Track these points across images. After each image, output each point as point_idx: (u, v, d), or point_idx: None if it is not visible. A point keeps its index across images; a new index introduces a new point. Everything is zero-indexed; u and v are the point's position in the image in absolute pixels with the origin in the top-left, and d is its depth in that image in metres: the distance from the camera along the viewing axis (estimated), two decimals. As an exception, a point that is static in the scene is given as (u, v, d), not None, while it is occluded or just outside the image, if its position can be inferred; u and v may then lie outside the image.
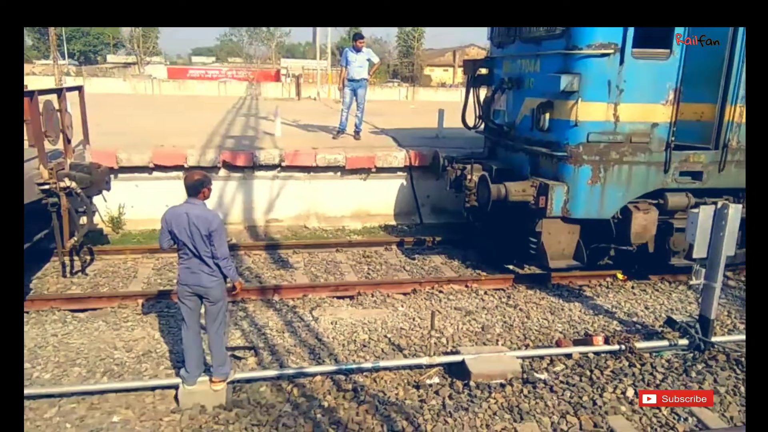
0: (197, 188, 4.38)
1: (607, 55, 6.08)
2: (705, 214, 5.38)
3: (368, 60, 10.80)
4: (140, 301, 6.49)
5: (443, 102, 22.32)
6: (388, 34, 58.25)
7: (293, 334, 5.91)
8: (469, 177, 7.30)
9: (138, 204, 9.25)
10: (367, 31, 57.57)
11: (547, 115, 6.68)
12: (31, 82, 18.11)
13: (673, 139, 6.41)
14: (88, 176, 6.80)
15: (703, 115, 6.78)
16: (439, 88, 40.79)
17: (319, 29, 30.68)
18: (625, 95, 6.21)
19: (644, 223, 6.58)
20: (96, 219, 8.38)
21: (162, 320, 6.10)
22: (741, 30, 6.30)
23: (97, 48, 66.81)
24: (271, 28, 51.97)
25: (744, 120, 6.57)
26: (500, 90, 7.90)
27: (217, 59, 63.34)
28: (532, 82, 7.07)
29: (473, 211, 7.69)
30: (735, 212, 5.33)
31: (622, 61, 6.08)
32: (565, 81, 6.16)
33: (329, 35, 30.65)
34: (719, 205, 5.38)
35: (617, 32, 6.04)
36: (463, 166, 7.77)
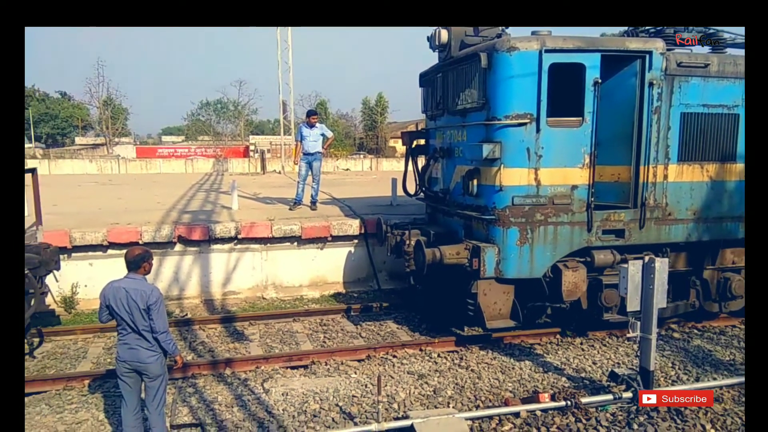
0: (138, 263, 4.47)
1: (524, 124, 6.48)
2: (634, 268, 5.66)
3: (322, 135, 11.26)
4: (87, 381, 6.37)
5: (405, 171, 22.92)
6: (354, 110, 59.97)
7: (243, 408, 5.83)
8: (407, 242, 7.50)
9: (92, 282, 9.16)
10: (333, 107, 59.49)
11: (475, 181, 6.99)
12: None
13: (593, 199, 6.71)
14: (37, 257, 6.80)
15: (620, 176, 7.13)
16: (402, 158, 42.06)
17: (285, 106, 31.60)
18: (544, 160, 6.57)
19: (574, 281, 6.78)
20: (48, 300, 8.31)
21: (108, 400, 5.97)
22: (647, 93, 6.72)
23: (66, 130, 66.99)
24: (239, 107, 53.25)
25: (658, 179, 6.98)
26: (435, 159, 8.29)
27: (187, 138, 64.02)
28: (461, 150, 7.47)
29: (414, 275, 7.82)
30: (662, 266, 5.63)
31: (538, 130, 6.48)
32: (487, 149, 6.52)
33: (292, 111, 31.57)
34: (646, 259, 5.68)
35: (532, 103, 6.45)
36: (402, 231, 8.00)
